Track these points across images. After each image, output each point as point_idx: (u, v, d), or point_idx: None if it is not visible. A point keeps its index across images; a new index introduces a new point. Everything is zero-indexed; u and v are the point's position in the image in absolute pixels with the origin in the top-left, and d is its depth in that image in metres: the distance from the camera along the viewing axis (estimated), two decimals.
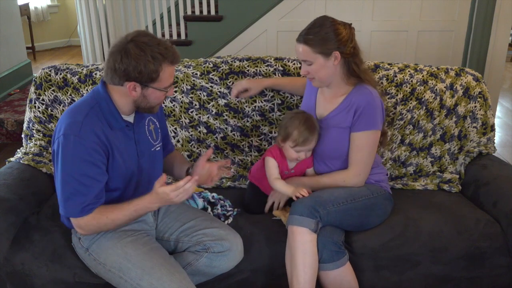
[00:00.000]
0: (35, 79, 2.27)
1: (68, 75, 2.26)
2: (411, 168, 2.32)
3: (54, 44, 7.49)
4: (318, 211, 1.74)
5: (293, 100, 2.28)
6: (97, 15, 3.90)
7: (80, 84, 2.25)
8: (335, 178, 1.91)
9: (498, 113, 4.59)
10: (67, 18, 7.55)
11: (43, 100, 2.25)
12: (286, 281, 1.78)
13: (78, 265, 1.74)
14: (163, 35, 4.15)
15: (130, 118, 1.66)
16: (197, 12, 4.20)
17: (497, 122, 4.40)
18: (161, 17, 4.52)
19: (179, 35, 4.17)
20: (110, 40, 4.01)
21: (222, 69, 2.30)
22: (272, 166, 1.93)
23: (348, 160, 1.89)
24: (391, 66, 2.33)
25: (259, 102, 2.28)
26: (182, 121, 2.30)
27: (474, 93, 2.31)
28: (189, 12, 4.21)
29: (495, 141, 2.39)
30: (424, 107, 2.28)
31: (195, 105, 2.29)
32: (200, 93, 2.29)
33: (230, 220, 1.93)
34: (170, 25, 4.14)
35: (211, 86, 2.28)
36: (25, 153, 2.18)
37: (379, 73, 2.30)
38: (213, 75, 2.29)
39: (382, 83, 2.27)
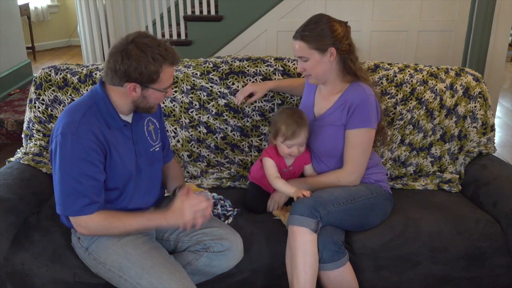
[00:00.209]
0: (35, 79, 2.27)
1: (68, 75, 2.26)
2: (411, 168, 2.32)
3: (54, 44, 7.49)
4: (318, 211, 1.74)
5: (293, 100, 2.28)
6: (97, 15, 3.90)
7: (80, 84, 2.25)
8: (330, 177, 1.92)
9: (498, 113, 4.59)
10: (67, 18, 7.55)
11: (43, 100, 2.25)
12: (286, 281, 1.78)
13: (78, 265, 1.74)
14: (163, 35, 4.16)
15: (128, 118, 1.66)
16: (197, 12, 4.21)
17: (497, 122, 4.40)
18: (161, 17, 4.52)
19: (179, 35, 4.17)
20: (110, 40, 4.01)
21: (222, 69, 2.30)
22: (270, 165, 1.94)
23: (343, 158, 1.90)
24: (391, 66, 2.34)
25: (259, 102, 2.28)
26: (182, 121, 2.30)
27: (474, 93, 2.31)
28: (189, 12, 4.21)
29: (495, 141, 2.39)
30: (424, 107, 2.28)
31: (195, 105, 2.29)
32: (200, 93, 2.29)
33: (230, 220, 1.93)
34: (170, 25, 4.15)
35: (211, 86, 2.28)
36: (25, 153, 2.18)
37: (379, 73, 2.30)
38: (213, 75, 2.29)
39: (382, 83, 2.28)
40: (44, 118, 2.26)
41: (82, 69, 2.28)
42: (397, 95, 2.27)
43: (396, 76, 2.29)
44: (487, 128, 2.34)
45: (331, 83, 1.92)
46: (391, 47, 4.04)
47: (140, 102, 1.59)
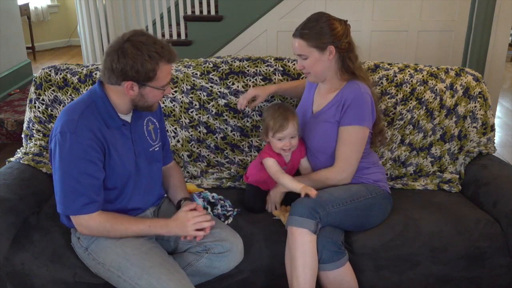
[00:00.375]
0: (35, 79, 2.27)
1: (68, 75, 2.26)
2: (411, 168, 2.32)
3: (54, 44, 7.49)
4: (317, 212, 1.74)
5: (293, 101, 2.28)
6: (97, 15, 3.90)
7: (80, 84, 2.25)
8: (320, 175, 1.92)
9: (498, 113, 4.59)
10: (67, 18, 7.55)
11: (43, 100, 2.25)
12: (286, 281, 1.78)
13: (78, 265, 1.74)
14: (163, 35, 4.15)
15: (128, 118, 1.67)
16: (197, 12, 4.20)
17: (497, 122, 4.40)
18: (161, 17, 4.52)
19: (179, 35, 4.17)
20: (110, 40, 4.00)
21: (222, 69, 2.30)
22: (272, 164, 1.93)
23: (334, 155, 1.90)
24: (391, 66, 2.33)
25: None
26: (182, 121, 2.30)
27: (474, 93, 2.31)
28: (189, 12, 4.20)
29: (495, 141, 2.39)
30: (424, 107, 2.28)
31: (195, 105, 2.29)
32: (200, 93, 2.29)
33: (230, 220, 1.93)
34: (170, 25, 4.14)
35: (211, 86, 2.28)
36: (25, 153, 2.18)
37: (379, 73, 2.30)
38: (213, 75, 2.29)
39: (382, 83, 2.28)
40: (44, 118, 2.26)
41: (82, 69, 2.28)
42: (397, 95, 2.27)
43: (396, 76, 2.29)
44: (487, 128, 2.34)
45: (329, 81, 1.92)
46: (391, 47, 4.04)
47: (139, 101, 1.59)
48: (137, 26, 4.04)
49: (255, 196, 2.03)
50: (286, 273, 1.79)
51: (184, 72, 2.30)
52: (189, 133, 2.30)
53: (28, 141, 2.27)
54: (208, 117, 2.30)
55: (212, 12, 4.02)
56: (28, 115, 2.29)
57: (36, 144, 2.24)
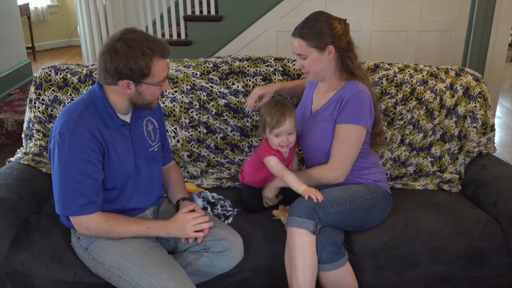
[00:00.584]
0: (35, 79, 2.27)
1: (68, 75, 2.26)
2: (411, 168, 2.32)
3: (54, 44, 7.49)
4: (317, 212, 1.73)
5: (293, 101, 2.28)
6: (97, 15, 3.89)
7: (80, 84, 2.25)
8: (314, 171, 1.91)
9: (498, 113, 4.59)
10: (67, 18, 7.55)
11: (43, 100, 2.25)
12: (286, 281, 1.78)
13: (78, 265, 1.74)
14: (163, 35, 4.16)
15: (127, 118, 1.66)
16: (197, 12, 4.21)
17: (497, 122, 4.40)
18: (161, 17, 4.52)
19: (179, 35, 4.17)
20: None
21: (222, 69, 2.30)
22: (275, 163, 1.90)
23: (330, 153, 1.89)
24: (391, 66, 2.33)
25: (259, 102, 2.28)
26: (182, 121, 2.30)
27: (474, 93, 2.31)
28: (189, 12, 4.21)
29: (495, 141, 2.39)
30: (424, 107, 2.28)
31: (195, 105, 2.29)
32: (200, 93, 2.29)
33: (230, 220, 1.93)
34: (170, 25, 4.14)
35: (211, 86, 2.28)
36: (25, 153, 2.18)
37: (379, 73, 2.30)
38: (213, 75, 2.29)
39: (382, 83, 2.28)
40: (44, 118, 2.26)
41: (82, 69, 2.28)
42: (397, 95, 2.27)
43: (396, 76, 2.29)
44: (487, 128, 2.34)
45: (328, 80, 1.92)
46: (391, 47, 4.04)
47: (137, 99, 1.59)
48: (137, 26, 4.03)
49: (252, 196, 2.03)
50: (286, 274, 1.79)
51: (184, 72, 2.30)
52: (189, 133, 2.30)
53: (28, 141, 2.27)
54: (208, 117, 2.30)
55: (212, 12, 4.02)
56: (28, 115, 2.29)
57: (36, 144, 2.24)
